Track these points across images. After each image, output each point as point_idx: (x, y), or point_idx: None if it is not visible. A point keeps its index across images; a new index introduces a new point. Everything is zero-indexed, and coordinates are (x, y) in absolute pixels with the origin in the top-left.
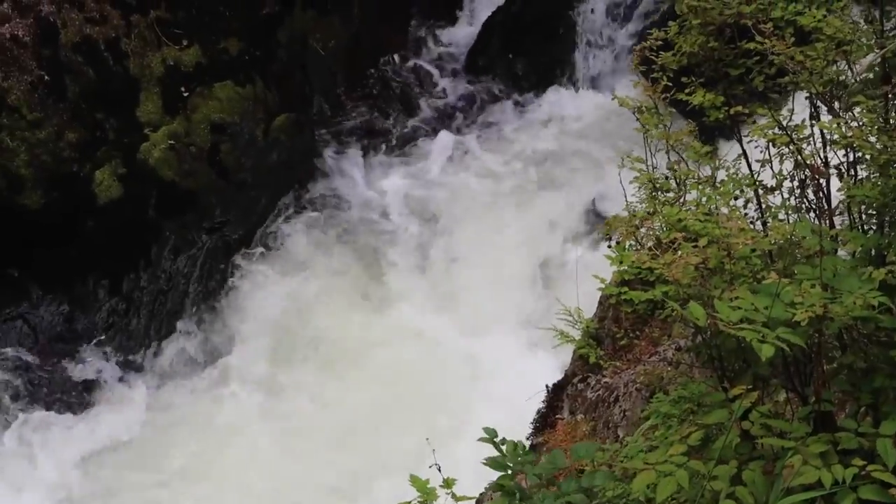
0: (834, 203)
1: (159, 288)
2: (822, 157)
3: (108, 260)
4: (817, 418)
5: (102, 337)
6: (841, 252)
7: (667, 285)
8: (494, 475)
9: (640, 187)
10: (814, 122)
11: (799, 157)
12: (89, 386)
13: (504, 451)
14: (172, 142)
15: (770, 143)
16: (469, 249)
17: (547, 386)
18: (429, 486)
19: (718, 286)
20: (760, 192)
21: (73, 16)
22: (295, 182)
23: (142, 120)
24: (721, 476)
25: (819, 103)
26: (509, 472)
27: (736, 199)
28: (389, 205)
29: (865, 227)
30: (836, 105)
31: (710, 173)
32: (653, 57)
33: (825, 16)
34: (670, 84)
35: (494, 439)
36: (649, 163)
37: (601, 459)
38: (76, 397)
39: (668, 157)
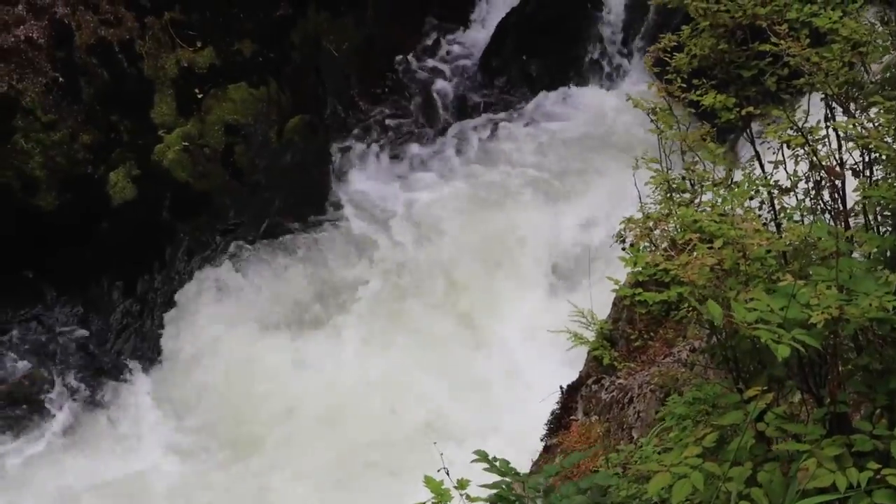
0: (849, 204)
1: (173, 289)
2: (837, 158)
3: (122, 261)
4: (832, 420)
5: (116, 338)
6: (855, 254)
7: (682, 286)
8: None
9: (655, 188)
10: (829, 122)
11: (814, 159)
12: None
13: (497, 466)
14: (186, 143)
15: (784, 145)
16: (483, 251)
17: (561, 387)
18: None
19: (734, 287)
20: (775, 193)
21: (87, 18)
22: (308, 183)
23: (156, 121)
24: (736, 478)
25: (834, 104)
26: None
27: (751, 199)
28: (402, 206)
29: (881, 229)
30: (852, 106)
31: (724, 175)
32: (666, 58)
33: (841, 17)
34: (684, 85)
35: (487, 458)
36: (664, 164)
37: (615, 461)
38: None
39: (683, 159)
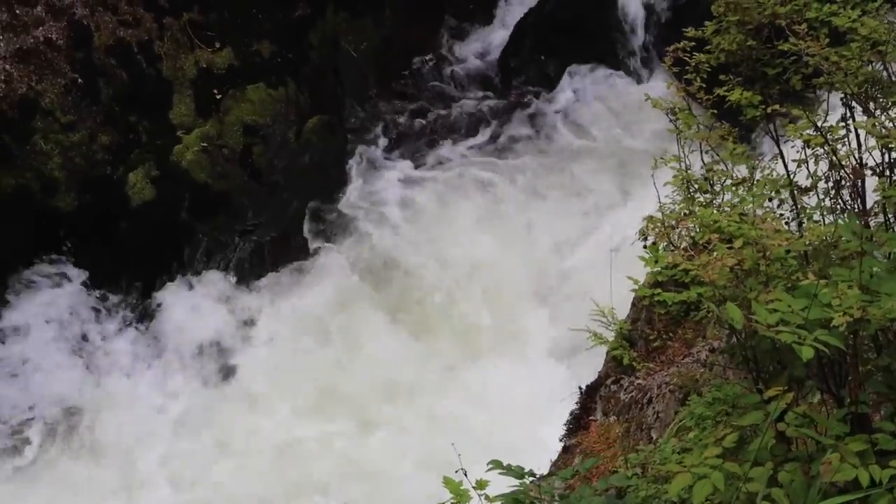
0: (868, 204)
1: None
2: (856, 157)
3: (140, 261)
4: (853, 420)
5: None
6: (875, 253)
7: (702, 287)
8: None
9: (676, 189)
10: (849, 122)
11: (834, 158)
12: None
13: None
14: (205, 144)
15: (805, 144)
16: (503, 251)
17: (580, 387)
18: (462, 487)
19: (754, 288)
20: (795, 192)
21: (106, 19)
22: (327, 184)
23: (174, 122)
24: (757, 478)
25: (854, 104)
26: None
27: (770, 200)
28: (421, 207)
29: None
30: (872, 105)
31: (745, 174)
32: (686, 58)
33: (860, 16)
34: (704, 85)
35: (502, 465)
36: (684, 163)
37: (634, 461)
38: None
39: (703, 159)
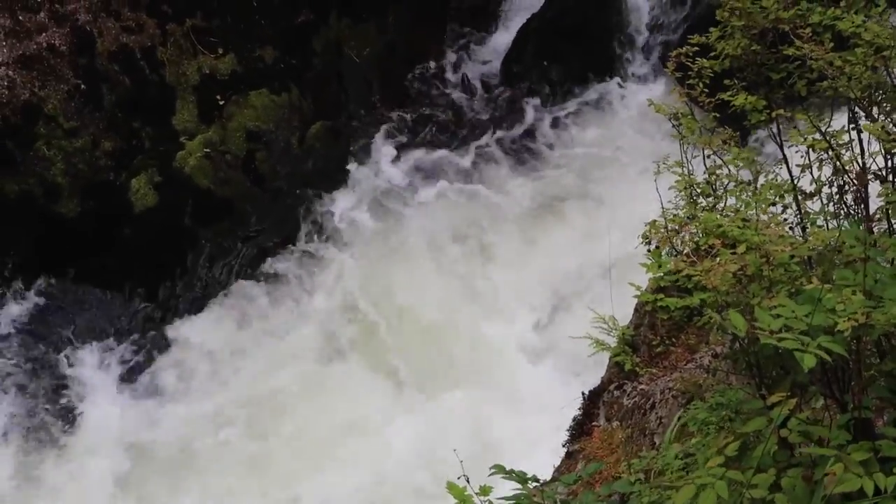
0: (872, 209)
1: (195, 296)
2: (860, 162)
3: (144, 268)
4: (856, 425)
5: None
6: (878, 259)
7: (705, 292)
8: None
9: (678, 193)
10: (853, 126)
11: (837, 163)
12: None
13: (516, 475)
14: (208, 150)
15: (810, 148)
16: (506, 259)
17: (583, 393)
18: (466, 493)
19: (757, 293)
20: (799, 197)
21: (109, 25)
22: (330, 190)
23: (177, 128)
24: (760, 484)
25: (858, 109)
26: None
27: (774, 205)
28: (424, 213)
29: None
30: (875, 110)
31: (748, 179)
32: (689, 63)
33: (864, 21)
34: (707, 90)
35: (505, 470)
36: (686, 169)
37: (637, 467)
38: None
39: (705, 164)
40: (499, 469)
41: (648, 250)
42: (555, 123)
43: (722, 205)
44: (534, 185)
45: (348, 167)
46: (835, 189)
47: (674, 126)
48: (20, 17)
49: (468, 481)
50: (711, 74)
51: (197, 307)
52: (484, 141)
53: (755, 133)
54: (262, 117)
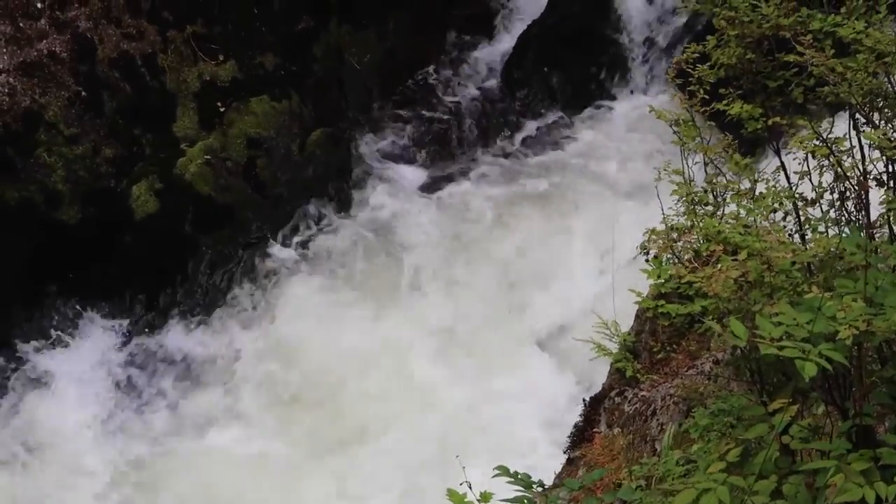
0: (873, 216)
1: (196, 303)
2: (861, 169)
3: (144, 275)
4: (857, 432)
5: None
6: (880, 265)
7: (706, 299)
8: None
9: (679, 200)
10: (854, 132)
11: (839, 170)
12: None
13: (520, 479)
14: (209, 156)
15: (809, 155)
16: (506, 265)
17: (584, 399)
18: (466, 499)
19: (758, 300)
20: (800, 204)
21: (109, 32)
22: (330, 197)
23: (178, 135)
24: (762, 491)
25: (858, 115)
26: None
27: (774, 211)
28: (424, 220)
29: None
30: (876, 117)
31: (749, 186)
32: (689, 70)
33: (866, 27)
34: (707, 97)
35: (509, 472)
36: (687, 175)
37: (638, 473)
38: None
39: (706, 171)
40: (503, 471)
41: (647, 259)
42: (555, 129)
43: (722, 211)
44: (534, 190)
45: (348, 174)
46: (836, 195)
47: (675, 132)
48: (21, 24)
49: (470, 487)
50: (711, 81)
51: (197, 314)
52: (485, 147)
53: (761, 141)
54: (263, 124)
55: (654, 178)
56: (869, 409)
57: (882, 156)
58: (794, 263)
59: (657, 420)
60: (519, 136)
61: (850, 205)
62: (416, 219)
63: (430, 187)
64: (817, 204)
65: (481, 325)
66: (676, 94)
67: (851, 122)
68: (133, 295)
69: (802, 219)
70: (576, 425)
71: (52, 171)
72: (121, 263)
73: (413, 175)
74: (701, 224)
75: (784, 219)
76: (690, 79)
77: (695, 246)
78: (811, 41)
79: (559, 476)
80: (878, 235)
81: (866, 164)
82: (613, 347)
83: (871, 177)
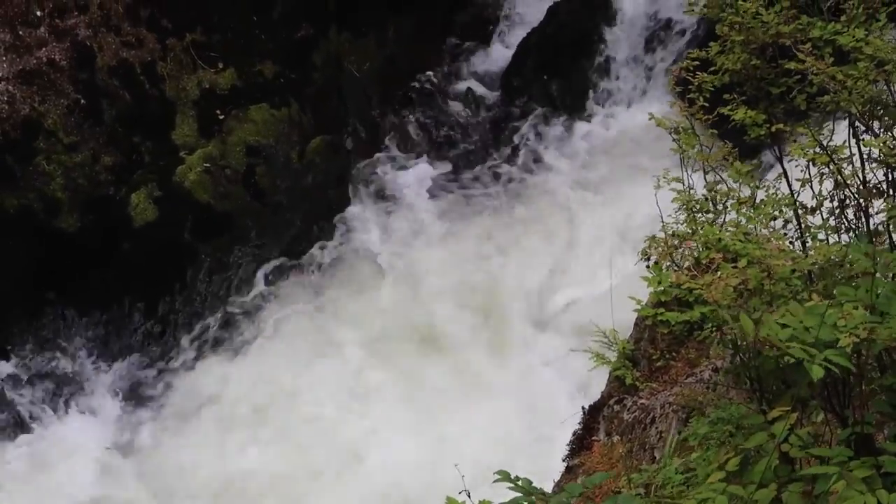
0: (873, 224)
1: (195, 311)
2: (860, 177)
3: (143, 282)
4: (857, 440)
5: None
6: (878, 273)
7: (705, 306)
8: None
9: (679, 208)
10: (854, 140)
11: (839, 177)
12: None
13: (521, 485)
14: (208, 164)
15: (811, 163)
16: (504, 272)
17: (583, 407)
18: None
19: (758, 308)
20: (800, 212)
21: (109, 39)
22: (330, 204)
23: (177, 143)
24: (761, 500)
25: (858, 123)
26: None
27: (775, 219)
28: (423, 228)
29: None
30: (876, 125)
31: (749, 193)
32: (689, 77)
33: (866, 34)
34: (707, 104)
35: (510, 477)
36: (686, 183)
37: (637, 481)
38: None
39: (705, 178)
40: (503, 476)
41: (648, 266)
42: (554, 136)
43: (722, 219)
44: (531, 196)
45: (348, 182)
46: (836, 203)
47: (674, 140)
48: (20, 32)
49: (469, 496)
50: (711, 89)
51: (195, 322)
52: (485, 154)
53: (759, 153)
54: (262, 132)
55: (653, 186)
56: (869, 417)
57: (881, 165)
58: (793, 271)
59: (656, 428)
60: (519, 144)
61: (849, 213)
62: (415, 226)
63: (429, 195)
64: (817, 212)
65: (478, 334)
66: (676, 102)
67: (851, 131)
68: (132, 302)
69: (803, 226)
70: (575, 433)
71: (51, 179)
72: (120, 271)
73: (412, 183)
74: (701, 231)
75: (784, 226)
76: (690, 86)
77: (695, 253)
78: (811, 49)
79: (558, 484)
80: (878, 244)
81: (866, 172)
82: (612, 356)
83: (871, 185)
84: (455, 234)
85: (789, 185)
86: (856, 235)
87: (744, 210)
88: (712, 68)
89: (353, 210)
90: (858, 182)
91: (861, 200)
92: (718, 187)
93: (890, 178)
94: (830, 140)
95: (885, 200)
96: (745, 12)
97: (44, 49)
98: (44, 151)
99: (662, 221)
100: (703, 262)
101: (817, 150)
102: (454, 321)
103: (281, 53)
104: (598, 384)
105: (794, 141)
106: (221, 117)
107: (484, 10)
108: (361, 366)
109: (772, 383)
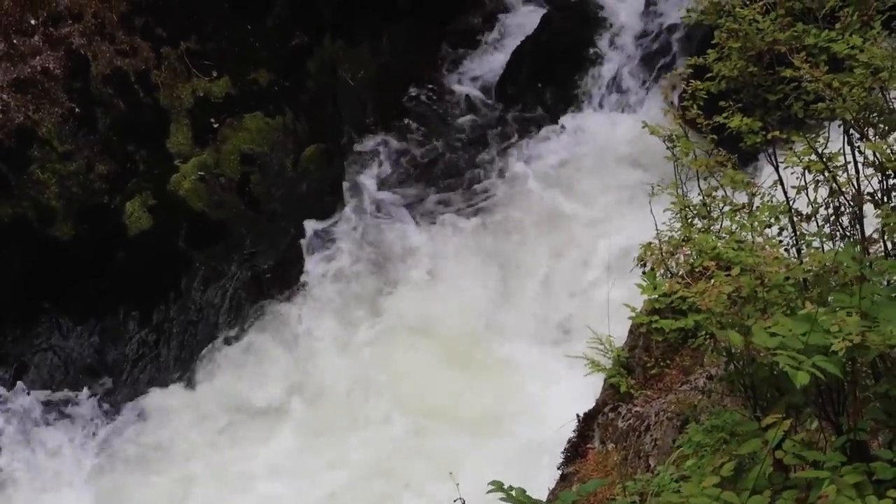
0: (868, 231)
1: (189, 319)
2: (855, 184)
3: (138, 291)
4: (851, 447)
5: (132, 368)
6: (874, 280)
7: (699, 314)
8: None
9: (674, 215)
10: (849, 147)
11: (833, 185)
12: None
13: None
14: (202, 173)
15: (806, 170)
16: (499, 281)
17: (578, 415)
18: None
19: (752, 315)
20: (795, 219)
21: (103, 48)
22: (324, 212)
23: (172, 151)
24: None
25: (853, 130)
26: None
27: (770, 226)
28: (418, 236)
29: None
30: (871, 132)
31: (744, 201)
32: (683, 85)
33: (862, 42)
34: (700, 112)
35: (503, 487)
36: (680, 191)
37: (632, 489)
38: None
39: (700, 186)
40: (497, 486)
41: (643, 273)
42: (548, 144)
43: (717, 226)
44: (526, 205)
45: (342, 190)
46: (830, 210)
47: (668, 148)
48: (14, 41)
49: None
50: (706, 96)
51: (193, 330)
52: (478, 162)
53: (758, 155)
54: (257, 140)
55: (648, 194)
56: (863, 424)
57: (877, 172)
58: (787, 278)
59: (651, 436)
60: (513, 152)
61: (844, 220)
62: (409, 236)
63: (422, 203)
64: (813, 219)
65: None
66: (670, 110)
67: (846, 138)
68: (126, 311)
69: (798, 233)
70: (569, 441)
71: (45, 188)
72: (114, 279)
73: (405, 191)
74: (695, 239)
75: (780, 233)
76: (684, 94)
77: (689, 261)
78: (806, 57)
79: (553, 492)
80: (872, 250)
81: (860, 179)
82: (607, 363)
83: (865, 192)
84: (448, 244)
85: (785, 193)
86: (848, 242)
87: (738, 217)
88: (709, 75)
89: (347, 217)
90: (853, 189)
91: (856, 208)
92: (714, 194)
93: (885, 186)
94: (826, 147)
95: (879, 207)
96: (742, 19)
97: (38, 58)
98: (38, 160)
99: (657, 229)
100: (697, 269)
101: (812, 157)
102: (451, 325)
103: (275, 62)
104: (592, 392)
105: (790, 148)
106: (216, 125)
107: (478, 18)
108: (361, 368)
109: (766, 390)
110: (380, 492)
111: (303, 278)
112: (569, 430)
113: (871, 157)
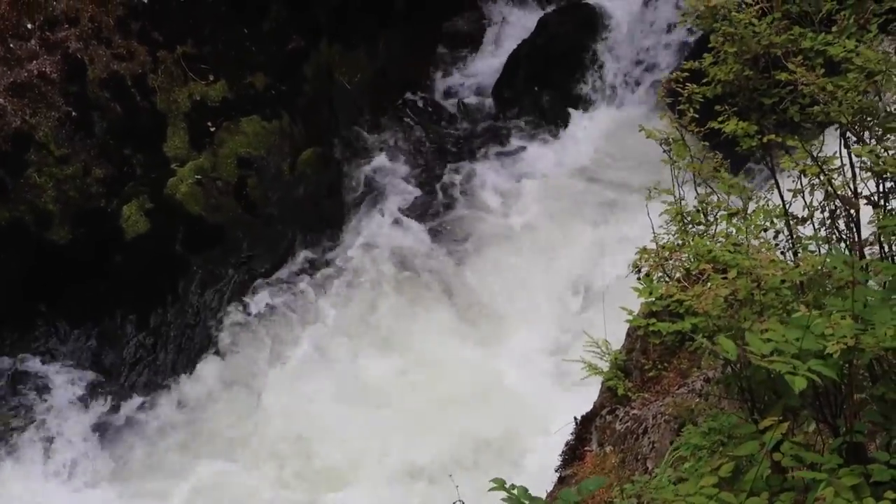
0: (865, 234)
1: (186, 322)
2: (851, 187)
3: (135, 294)
4: (848, 450)
5: (130, 371)
6: (871, 283)
7: (696, 317)
8: None
9: (670, 219)
10: (845, 150)
11: (829, 188)
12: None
13: (516, 493)
14: (199, 176)
15: (801, 174)
16: (496, 285)
17: (575, 418)
18: None
19: (748, 318)
20: (791, 222)
21: (100, 52)
22: (321, 216)
23: (169, 155)
24: None
25: (848, 134)
26: None
27: (765, 230)
28: (413, 240)
29: None
30: (867, 135)
31: (740, 205)
32: (679, 89)
33: (857, 46)
34: (697, 115)
35: (504, 486)
36: (677, 195)
37: (630, 491)
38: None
39: (696, 190)
40: (498, 484)
41: (639, 278)
42: (545, 148)
43: (713, 230)
44: (523, 209)
45: (339, 193)
46: (826, 214)
47: (665, 151)
48: (11, 45)
49: None
50: (702, 100)
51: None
52: (475, 166)
53: (753, 160)
54: (254, 144)
55: (644, 198)
56: (860, 426)
57: (873, 175)
58: (783, 281)
59: (649, 438)
60: (509, 156)
61: (840, 223)
62: (405, 239)
63: (419, 208)
64: (808, 222)
65: (483, 347)
66: (665, 114)
67: (842, 141)
68: (124, 315)
69: (793, 237)
70: (567, 444)
71: (42, 192)
72: (111, 283)
73: (403, 196)
74: (692, 243)
75: (776, 237)
76: (680, 97)
77: (686, 264)
78: (802, 60)
79: (550, 494)
80: (868, 253)
81: (856, 182)
82: (605, 366)
83: (861, 195)
84: (443, 246)
85: (781, 196)
86: (844, 245)
87: (734, 221)
88: (705, 79)
89: (344, 220)
90: (849, 192)
91: (851, 211)
92: (710, 198)
93: (881, 189)
94: (821, 151)
95: (876, 211)
96: (738, 22)
97: (35, 62)
98: (35, 164)
99: (654, 233)
100: (693, 273)
101: (808, 161)
102: (448, 330)
103: (272, 65)
104: (590, 394)
105: (786, 152)
106: (213, 129)
107: (474, 22)
108: (359, 372)
109: (763, 393)
110: None
111: (295, 281)
112: (566, 432)
113: (866, 161)
